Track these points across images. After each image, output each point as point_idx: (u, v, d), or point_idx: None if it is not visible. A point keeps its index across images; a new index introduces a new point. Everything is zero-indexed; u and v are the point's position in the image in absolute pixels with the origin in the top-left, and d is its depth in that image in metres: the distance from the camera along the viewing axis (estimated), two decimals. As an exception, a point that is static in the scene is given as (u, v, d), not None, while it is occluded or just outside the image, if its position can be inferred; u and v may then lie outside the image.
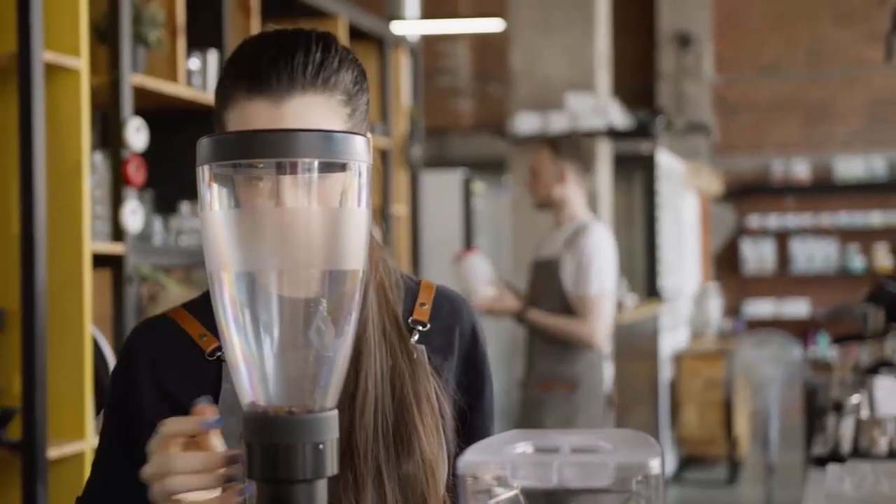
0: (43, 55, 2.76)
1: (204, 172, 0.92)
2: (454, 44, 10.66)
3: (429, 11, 7.13)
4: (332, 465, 0.91)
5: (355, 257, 0.94)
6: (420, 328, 1.34)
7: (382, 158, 4.90)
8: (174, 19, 3.36)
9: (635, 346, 6.81)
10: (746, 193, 10.64)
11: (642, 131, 6.59)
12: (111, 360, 2.95)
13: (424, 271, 5.42)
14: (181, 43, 3.38)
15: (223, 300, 0.92)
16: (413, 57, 5.34)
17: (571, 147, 4.17)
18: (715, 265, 10.51)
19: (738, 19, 10.66)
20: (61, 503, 2.82)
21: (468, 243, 6.47)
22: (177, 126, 3.47)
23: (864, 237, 10.45)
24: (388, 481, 1.25)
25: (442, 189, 6.54)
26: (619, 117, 6.16)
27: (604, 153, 6.22)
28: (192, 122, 3.52)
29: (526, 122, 6.02)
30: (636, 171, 7.59)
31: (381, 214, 4.66)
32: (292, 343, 0.92)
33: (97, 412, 2.94)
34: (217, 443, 1.04)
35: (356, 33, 4.65)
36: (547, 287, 4.07)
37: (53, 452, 2.78)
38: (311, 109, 1.20)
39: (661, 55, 10.43)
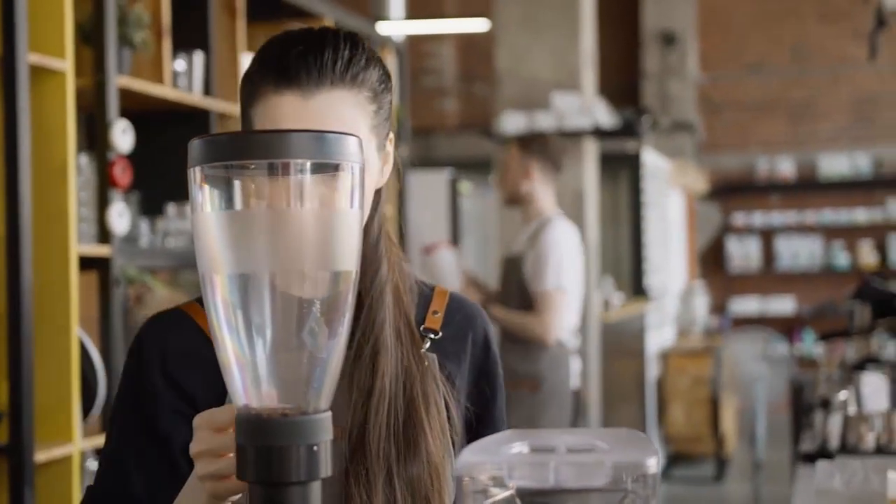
0: (28, 57, 2.75)
1: (195, 174, 0.92)
2: (439, 44, 10.65)
3: (414, 12, 7.12)
4: (326, 467, 0.91)
5: (348, 258, 0.93)
6: (432, 336, 1.33)
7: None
8: (160, 21, 3.35)
9: (622, 344, 6.83)
10: (732, 191, 10.66)
11: (628, 130, 6.60)
12: (98, 363, 2.94)
13: (411, 272, 5.40)
14: (167, 44, 3.37)
15: (215, 302, 0.92)
16: (398, 57, 5.33)
17: (539, 145, 4.21)
18: (701, 263, 10.53)
19: (723, 18, 10.69)
20: (49, 507, 2.81)
21: (455, 243, 6.46)
22: (163, 128, 3.46)
23: (849, 234, 10.49)
24: (397, 480, 1.25)
25: (428, 189, 6.53)
26: (604, 116, 6.17)
27: (590, 152, 6.23)
28: (178, 124, 3.51)
29: (512, 122, 6.01)
30: (622, 170, 7.60)
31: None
32: (285, 345, 0.92)
33: (84, 415, 2.92)
34: None
35: (342, 34, 4.63)
36: (512, 283, 4.07)
37: (41, 456, 2.76)
38: (340, 104, 1.20)
39: (645, 54, 10.44)
